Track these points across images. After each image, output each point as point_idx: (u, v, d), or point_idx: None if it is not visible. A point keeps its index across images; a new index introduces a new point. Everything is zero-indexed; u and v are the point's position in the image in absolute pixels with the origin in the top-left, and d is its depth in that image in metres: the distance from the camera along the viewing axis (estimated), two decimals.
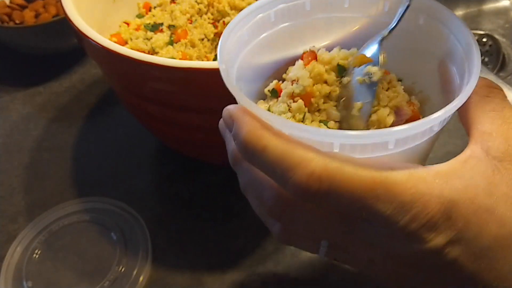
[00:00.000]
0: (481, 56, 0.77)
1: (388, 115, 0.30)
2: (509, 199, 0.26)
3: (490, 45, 0.77)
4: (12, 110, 0.71)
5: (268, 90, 0.34)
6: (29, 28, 0.70)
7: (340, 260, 0.30)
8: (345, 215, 0.27)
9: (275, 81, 0.34)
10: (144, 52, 0.53)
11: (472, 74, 0.27)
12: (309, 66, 0.33)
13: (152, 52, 0.55)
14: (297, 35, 0.35)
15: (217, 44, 0.35)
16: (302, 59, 0.34)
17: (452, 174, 0.26)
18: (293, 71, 0.33)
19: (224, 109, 0.29)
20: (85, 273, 0.51)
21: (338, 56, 0.33)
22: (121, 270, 0.51)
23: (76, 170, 0.62)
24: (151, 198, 0.58)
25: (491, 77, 0.63)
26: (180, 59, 0.52)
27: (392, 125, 0.30)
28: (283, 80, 0.35)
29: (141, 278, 0.50)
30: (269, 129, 0.27)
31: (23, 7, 0.74)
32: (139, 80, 0.45)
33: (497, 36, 0.78)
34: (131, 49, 0.49)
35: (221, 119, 0.30)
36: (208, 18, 0.58)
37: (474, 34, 0.80)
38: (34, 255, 0.53)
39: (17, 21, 0.72)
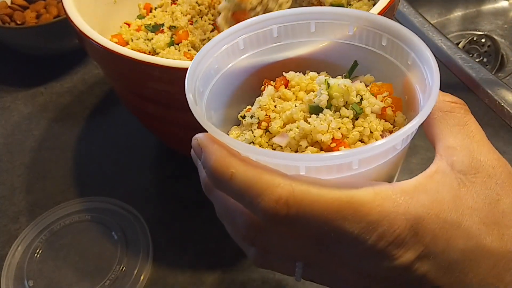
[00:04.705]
0: (480, 56, 0.77)
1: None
2: (475, 212, 0.26)
3: (489, 46, 0.77)
4: (13, 110, 0.71)
5: (241, 116, 0.35)
6: (30, 29, 0.70)
7: (316, 281, 0.31)
8: (316, 236, 0.27)
9: (248, 107, 0.35)
10: (145, 52, 0.53)
11: (432, 92, 0.28)
12: (275, 93, 0.34)
13: (153, 52, 0.55)
14: (266, 61, 0.36)
15: None
16: (274, 85, 0.35)
17: (418, 190, 0.26)
18: (257, 101, 0.34)
19: (193, 138, 0.29)
20: (86, 272, 0.51)
21: (307, 79, 0.34)
22: (122, 269, 0.51)
23: (77, 170, 0.62)
24: (152, 197, 0.59)
25: (490, 77, 0.64)
26: (180, 59, 0.52)
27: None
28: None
29: (142, 277, 0.50)
30: (237, 156, 0.27)
31: (24, 8, 0.75)
32: (140, 80, 0.45)
33: (495, 37, 0.78)
34: (132, 49, 0.49)
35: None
36: (209, 19, 0.59)
37: (473, 34, 0.80)
38: (35, 255, 0.53)
39: (19, 22, 0.72)
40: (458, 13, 0.84)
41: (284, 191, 0.26)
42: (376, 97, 0.32)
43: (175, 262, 0.52)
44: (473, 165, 0.27)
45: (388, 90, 0.32)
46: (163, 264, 0.52)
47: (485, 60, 0.76)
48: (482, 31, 0.81)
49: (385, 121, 0.32)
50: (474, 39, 0.78)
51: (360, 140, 0.31)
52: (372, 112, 0.31)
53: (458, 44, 0.78)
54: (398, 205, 0.25)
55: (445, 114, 0.29)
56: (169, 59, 0.42)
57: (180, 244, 0.54)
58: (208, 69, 0.33)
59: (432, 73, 0.29)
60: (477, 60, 0.74)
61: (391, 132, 0.31)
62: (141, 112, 0.54)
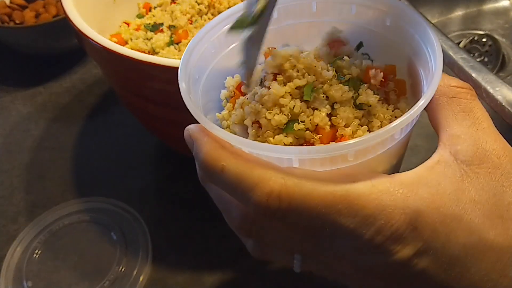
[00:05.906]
0: (481, 56, 0.77)
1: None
2: (477, 205, 0.25)
3: (490, 45, 0.77)
4: (12, 110, 0.71)
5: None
6: (29, 28, 0.70)
7: (315, 273, 0.30)
8: (310, 231, 0.26)
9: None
10: (144, 52, 0.53)
11: (433, 78, 0.26)
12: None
13: (152, 52, 0.55)
14: (266, 42, 0.35)
15: None
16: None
17: (418, 182, 0.25)
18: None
19: (185, 129, 0.29)
20: (85, 273, 0.51)
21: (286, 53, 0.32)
22: (121, 270, 0.51)
23: (76, 170, 0.62)
24: (151, 198, 0.58)
25: (491, 77, 0.63)
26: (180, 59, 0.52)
27: None
28: None
29: (141, 278, 0.50)
30: (228, 148, 0.26)
31: (23, 7, 0.75)
32: (139, 80, 0.45)
33: (496, 36, 0.78)
34: (131, 49, 0.49)
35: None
36: (209, 19, 0.58)
37: (474, 34, 0.80)
38: (34, 255, 0.53)
39: (18, 21, 0.72)
40: (459, 13, 0.83)
41: (276, 185, 0.25)
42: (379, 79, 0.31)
43: (174, 262, 0.52)
44: (478, 155, 0.26)
45: (391, 72, 0.31)
46: (163, 265, 0.52)
47: (486, 59, 0.76)
48: (483, 31, 0.80)
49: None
50: (475, 38, 0.78)
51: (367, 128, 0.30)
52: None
53: (459, 43, 0.77)
54: (396, 199, 0.24)
55: (450, 100, 0.28)
56: (168, 59, 0.41)
57: (180, 244, 0.53)
58: (205, 54, 0.32)
59: (435, 57, 0.27)
60: (478, 59, 0.73)
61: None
62: (140, 112, 0.54)
